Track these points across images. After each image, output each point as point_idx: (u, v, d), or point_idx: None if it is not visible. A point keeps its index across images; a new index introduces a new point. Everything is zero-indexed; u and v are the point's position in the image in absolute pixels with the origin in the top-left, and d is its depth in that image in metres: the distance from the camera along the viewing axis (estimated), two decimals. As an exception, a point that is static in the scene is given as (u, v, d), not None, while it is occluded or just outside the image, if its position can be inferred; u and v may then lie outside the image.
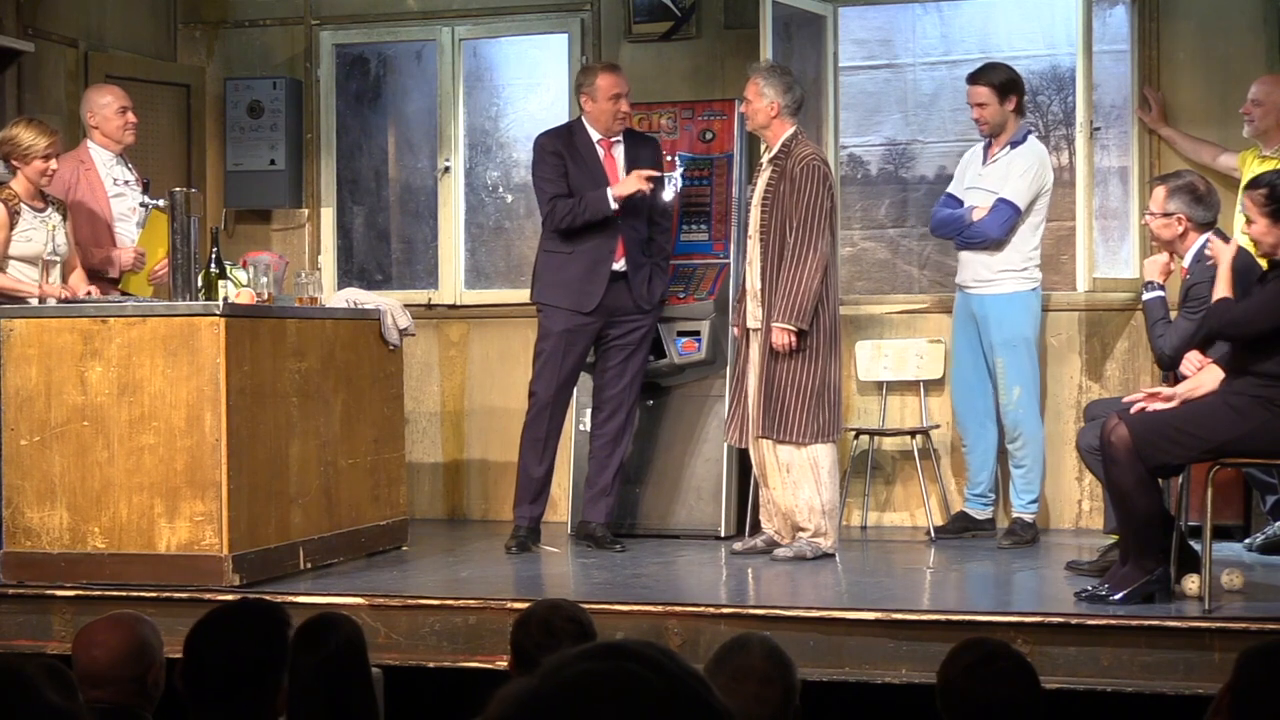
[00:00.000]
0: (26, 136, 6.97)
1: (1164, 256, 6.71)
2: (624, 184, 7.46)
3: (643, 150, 7.70)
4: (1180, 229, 6.52)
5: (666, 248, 7.84)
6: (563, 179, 7.52)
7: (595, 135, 7.59)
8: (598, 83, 7.55)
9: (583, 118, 7.65)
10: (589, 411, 7.87)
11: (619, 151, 7.63)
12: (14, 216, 6.97)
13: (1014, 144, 7.62)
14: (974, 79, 7.66)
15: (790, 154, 7.16)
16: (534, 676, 1.63)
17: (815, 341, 7.11)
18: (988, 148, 7.72)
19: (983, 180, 7.66)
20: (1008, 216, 7.55)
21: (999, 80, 7.59)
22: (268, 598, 4.74)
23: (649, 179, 7.46)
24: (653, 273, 7.67)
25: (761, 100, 7.21)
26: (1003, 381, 7.67)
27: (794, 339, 7.07)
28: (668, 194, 7.97)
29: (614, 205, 7.44)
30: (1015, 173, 7.57)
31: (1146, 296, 6.68)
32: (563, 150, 7.56)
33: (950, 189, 7.87)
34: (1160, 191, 6.61)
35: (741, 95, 7.41)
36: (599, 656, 1.66)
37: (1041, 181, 7.61)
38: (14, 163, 6.98)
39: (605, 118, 7.56)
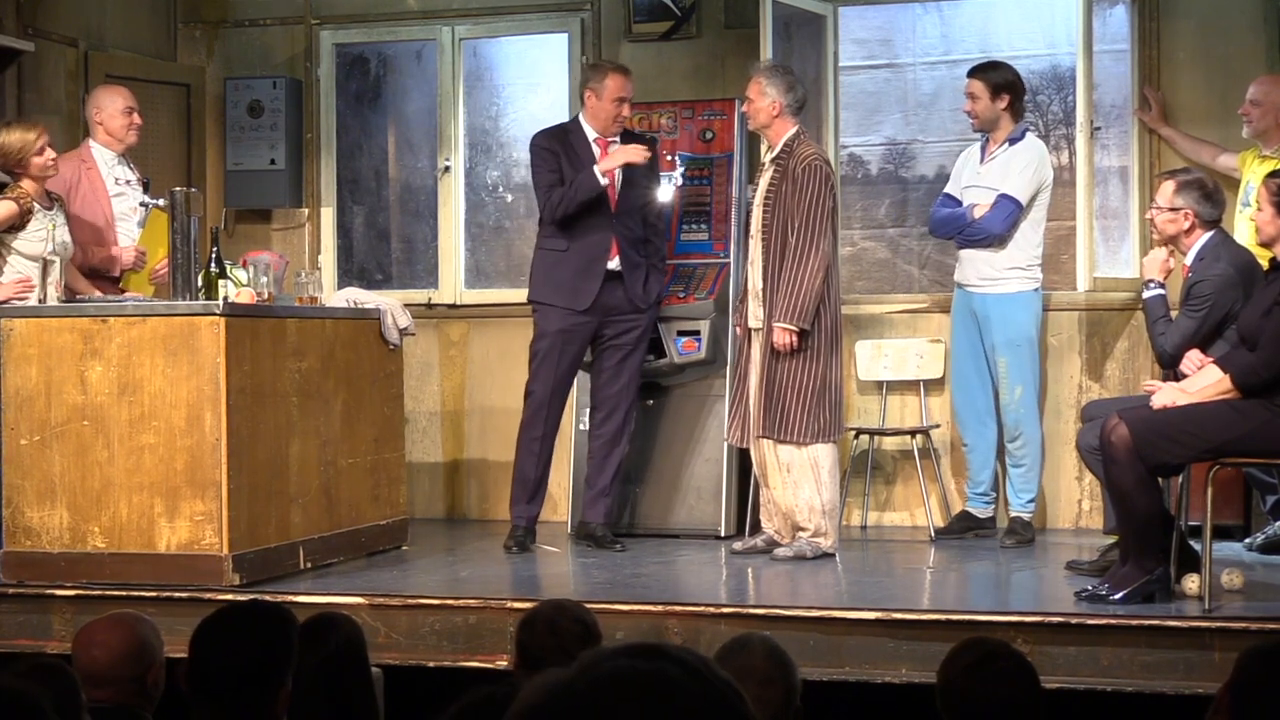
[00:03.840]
0: (14, 140, 6.91)
1: (1163, 253, 6.69)
2: (609, 158, 7.45)
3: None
4: (1187, 224, 6.50)
5: (662, 249, 7.83)
6: (559, 173, 7.51)
7: (592, 134, 7.58)
8: (607, 82, 7.52)
9: (581, 115, 7.64)
10: (589, 411, 7.87)
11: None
12: (26, 216, 6.94)
13: (1012, 141, 7.65)
14: (972, 72, 7.75)
15: (792, 154, 7.16)
16: (569, 669, 1.63)
17: (816, 341, 7.11)
18: (985, 146, 7.74)
19: (981, 178, 7.67)
20: (1010, 212, 7.56)
21: (995, 79, 7.65)
22: (269, 598, 4.75)
23: (632, 158, 7.42)
24: (649, 273, 7.66)
25: (764, 99, 7.20)
26: (1005, 381, 7.67)
27: (795, 339, 7.06)
28: (665, 195, 7.96)
29: (602, 180, 7.41)
30: (1016, 168, 7.59)
31: (1147, 294, 6.66)
32: (559, 148, 7.55)
33: (948, 189, 7.89)
34: (1169, 186, 6.58)
35: (742, 95, 7.40)
36: (637, 655, 1.66)
37: (1042, 177, 7.63)
38: (16, 170, 6.95)
39: (605, 118, 7.54)
